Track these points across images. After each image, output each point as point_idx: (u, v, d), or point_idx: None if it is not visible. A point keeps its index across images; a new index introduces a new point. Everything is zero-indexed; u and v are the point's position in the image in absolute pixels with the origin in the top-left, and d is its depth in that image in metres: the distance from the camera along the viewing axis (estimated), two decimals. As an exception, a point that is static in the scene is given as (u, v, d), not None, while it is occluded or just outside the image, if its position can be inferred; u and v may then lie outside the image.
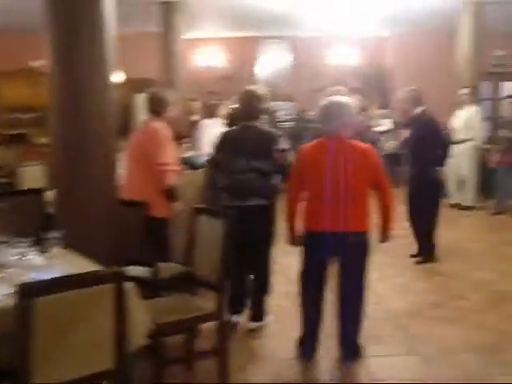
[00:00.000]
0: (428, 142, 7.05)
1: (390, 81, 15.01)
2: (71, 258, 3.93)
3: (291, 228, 4.71)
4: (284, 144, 5.19)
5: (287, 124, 12.86)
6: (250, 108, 5.19)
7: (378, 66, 15.14)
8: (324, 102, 4.66)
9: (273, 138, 5.14)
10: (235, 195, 5.10)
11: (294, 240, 4.74)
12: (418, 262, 7.33)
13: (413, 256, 7.51)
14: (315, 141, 4.60)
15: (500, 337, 5.18)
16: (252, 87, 5.40)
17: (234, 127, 5.41)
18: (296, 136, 10.06)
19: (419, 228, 7.41)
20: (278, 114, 12.71)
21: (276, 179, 5.18)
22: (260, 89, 5.38)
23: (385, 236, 4.75)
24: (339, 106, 4.57)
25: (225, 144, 5.24)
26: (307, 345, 4.72)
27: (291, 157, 5.05)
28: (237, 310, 5.35)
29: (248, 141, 5.10)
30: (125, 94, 14.15)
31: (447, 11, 11.04)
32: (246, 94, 5.25)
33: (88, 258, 3.88)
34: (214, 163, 5.33)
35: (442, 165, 7.25)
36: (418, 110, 7.21)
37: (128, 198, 4.99)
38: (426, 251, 7.38)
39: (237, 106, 5.38)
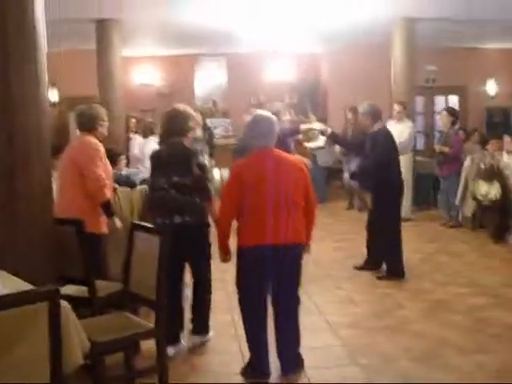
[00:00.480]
0: (387, 159, 7.07)
1: (325, 96, 15.23)
2: (4, 278, 3.84)
3: (225, 245, 4.65)
4: (204, 160, 5.20)
5: (226, 140, 12.85)
6: (174, 126, 5.15)
7: (313, 81, 15.33)
8: (255, 117, 4.71)
9: (192, 153, 5.09)
10: (162, 212, 5.03)
11: (226, 257, 4.71)
12: (381, 278, 7.25)
13: (356, 268, 7.55)
14: (251, 156, 4.60)
15: (439, 343, 5.28)
16: (178, 105, 5.35)
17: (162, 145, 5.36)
18: (243, 153, 10.06)
19: (377, 241, 7.41)
20: (215, 130, 12.68)
21: (198, 196, 5.08)
22: (186, 107, 5.35)
23: (306, 249, 4.75)
24: (270, 120, 4.63)
25: (153, 162, 5.21)
26: (261, 363, 4.61)
27: (212, 173, 5.04)
28: (173, 339, 5.10)
29: (171, 157, 5.05)
30: (63, 111, 14.02)
31: (380, 28, 11.23)
32: (170, 112, 5.23)
33: (22, 277, 3.80)
34: (149, 183, 5.32)
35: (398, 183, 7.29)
36: (378, 125, 7.20)
37: (62, 215, 4.91)
38: (392, 267, 7.29)
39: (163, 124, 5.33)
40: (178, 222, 4.97)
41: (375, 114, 7.21)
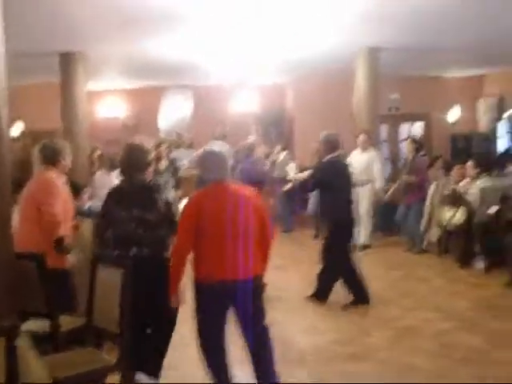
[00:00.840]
0: (336, 188, 7.09)
1: (290, 124, 15.33)
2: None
3: (176, 284, 4.49)
4: (168, 195, 5.16)
5: (191, 172, 12.78)
6: (133, 160, 5.04)
7: (278, 110, 15.43)
8: (204, 153, 4.88)
9: (155, 189, 5.04)
10: (118, 245, 4.88)
11: (177, 300, 4.56)
12: (346, 307, 7.17)
13: (310, 297, 7.40)
14: (206, 188, 4.60)
15: (406, 369, 5.30)
16: (136, 140, 5.27)
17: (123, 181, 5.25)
18: (204, 184, 10.05)
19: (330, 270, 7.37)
20: (180, 163, 12.64)
21: (163, 231, 4.94)
22: (144, 141, 5.26)
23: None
24: (221, 155, 4.72)
25: (111, 195, 5.12)
26: None
27: (177, 209, 5.00)
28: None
29: (132, 192, 4.98)
30: (27, 145, 13.88)
31: (343, 57, 11.34)
32: (128, 147, 5.13)
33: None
34: (102, 214, 5.18)
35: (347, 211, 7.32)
36: (331, 155, 7.21)
37: (22, 249, 4.87)
38: (356, 297, 7.23)
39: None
40: (133, 253, 4.79)
41: (329, 144, 7.26)
